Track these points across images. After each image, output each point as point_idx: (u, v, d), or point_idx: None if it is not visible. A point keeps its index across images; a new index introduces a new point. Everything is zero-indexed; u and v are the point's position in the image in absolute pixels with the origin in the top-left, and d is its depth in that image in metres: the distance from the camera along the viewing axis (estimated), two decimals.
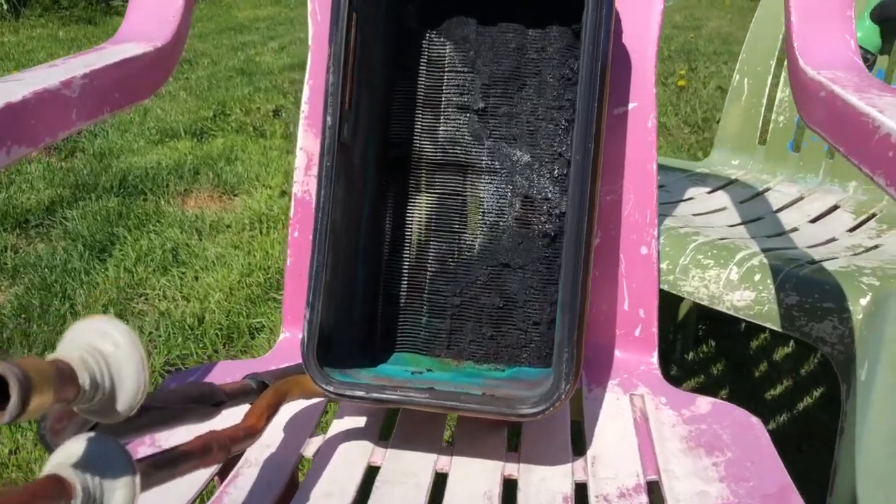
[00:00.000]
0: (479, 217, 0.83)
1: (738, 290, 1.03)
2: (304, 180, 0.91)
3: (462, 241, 0.83)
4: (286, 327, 0.95)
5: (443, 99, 0.83)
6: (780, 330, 1.01)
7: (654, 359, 0.90)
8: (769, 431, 0.76)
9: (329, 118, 0.66)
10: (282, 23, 5.85)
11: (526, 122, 0.82)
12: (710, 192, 1.46)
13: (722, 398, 0.84)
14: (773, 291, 1.01)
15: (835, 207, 1.39)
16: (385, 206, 0.84)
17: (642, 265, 0.88)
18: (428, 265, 0.83)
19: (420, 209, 0.84)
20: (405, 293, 0.83)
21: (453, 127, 0.83)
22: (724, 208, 1.39)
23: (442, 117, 0.83)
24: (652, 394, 0.85)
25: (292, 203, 0.92)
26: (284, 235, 2.29)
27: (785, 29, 0.83)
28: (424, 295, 0.83)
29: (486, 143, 0.83)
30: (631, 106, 0.86)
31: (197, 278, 2.07)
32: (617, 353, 0.90)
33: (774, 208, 1.39)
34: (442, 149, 0.83)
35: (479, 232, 0.83)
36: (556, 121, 0.82)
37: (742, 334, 1.87)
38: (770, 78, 1.53)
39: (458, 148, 0.83)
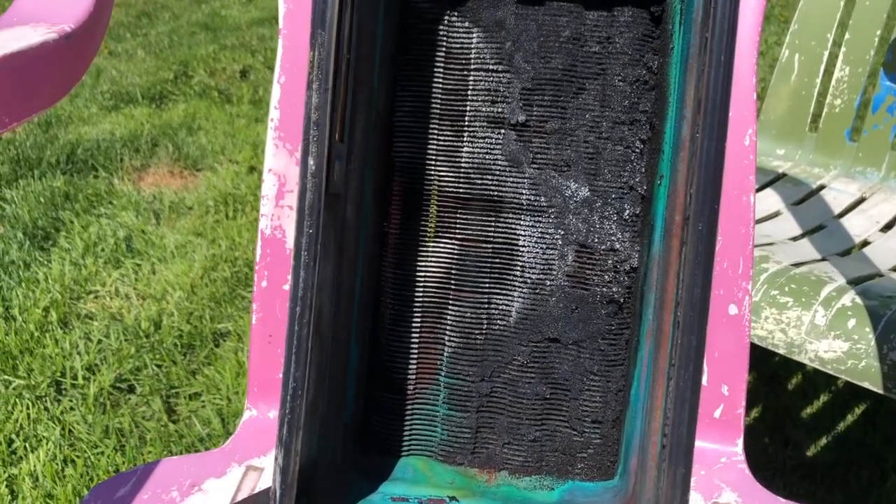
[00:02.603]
0: (518, 273, 0.60)
1: (827, 338, 0.82)
2: (274, 213, 0.67)
3: (493, 306, 0.60)
4: (251, 402, 0.72)
5: (468, 109, 0.60)
6: (881, 392, 0.80)
7: (740, 448, 0.69)
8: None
9: (312, 161, 0.42)
10: None
11: (584, 142, 0.59)
12: (756, 190, 1.24)
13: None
14: (872, 343, 0.79)
15: None
16: (387, 257, 0.60)
17: (730, 329, 0.66)
18: (446, 339, 0.61)
19: (435, 261, 0.61)
20: (414, 377, 0.61)
21: (482, 148, 0.60)
22: (777, 213, 1.17)
23: (466, 134, 0.60)
24: (742, 501, 0.64)
25: (258, 242, 0.68)
26: (253, 219, 2.05)
27: None
28: (441, 379, 0.60)
29: (527, 171, 0.59)
30: None
31: (154, 272, 1.83)
32: None
33: (835, 212, 1.18)
34: (466, 178, 0.60)
35: (516, 294, 0.60)
36: (626, 141, 0.58)
37: None
38: (826, 54, 1.30)
39: (489, 177, 0.60)
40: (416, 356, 0.61)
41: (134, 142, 2.43)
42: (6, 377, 1.47)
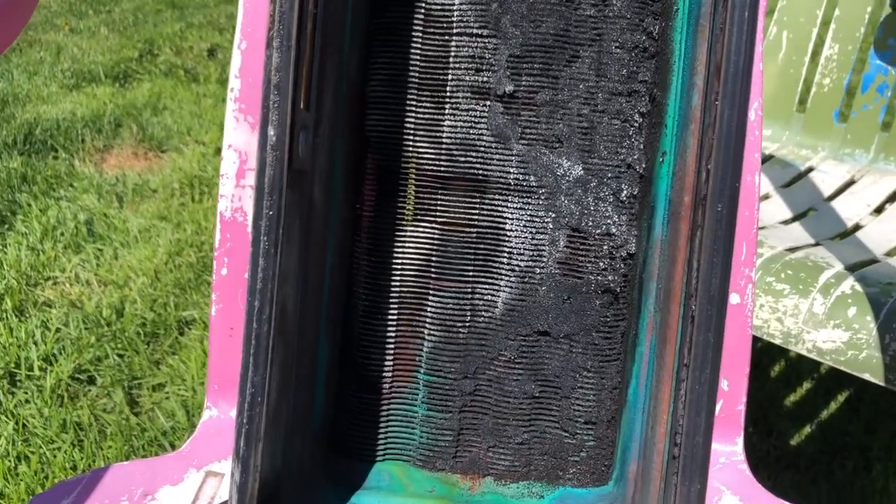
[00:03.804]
0: (505, 260, 0.55)
1: (826, 327, 0.77)
2: (235, 193, 0.61)
3: (477, 297, 0.55)
4: (211, 401, 0.66)
5: (449, 78, 0.54)
6: (882, 384, 0.76)
7: (740, 447, 0.64)
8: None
9: (272, 131, 0.37)
10: None
11: (577, 115, 0.53)
12: None
13: None
14: (874, 333, 0.75)
15: None
16: (360, 243, 0.55)
17: (731, 320, 0.61)
18: (425, 332, 0.55)
19: (414, 246, 0.55)
20: (390, 375, 0.55)
21: (466, 122, 0.54)
22: (767, 196, 1.13)
23: (448, 106, 0.54)
24: None
25: (217, 225, 0.62)
26: None
27: None
28: (419, 377, 0.55)
29: (515, 148, 0.54)
30: None
31: (116, 257, 1.75)
32: None
33: (825, 195, 1.14)
34: (448, 155, 0.54)
35: (503, 282, 0.54)
36: (624, 114, 0.53)
37: None
38: (815, 31, 1.25)
39: (473, 154, 0.54)
40: (392, 351, 0.55)
41: (96, 122, 2.34)
42: None
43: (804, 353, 0.79)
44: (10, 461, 1.22)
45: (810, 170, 1.21)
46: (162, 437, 1.29)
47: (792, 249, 0.88)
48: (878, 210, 1.11)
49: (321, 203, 0.47)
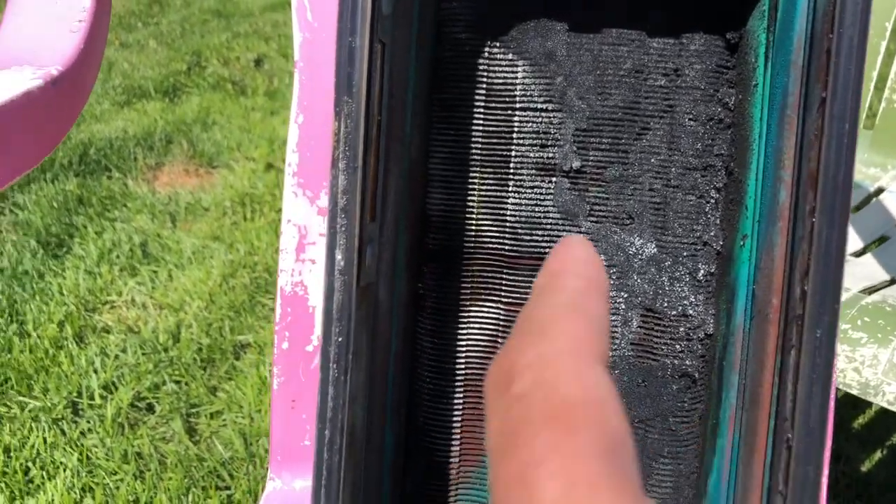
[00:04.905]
0: None
1: None
2: (295, 268, 0.60)
3: None
4: (274, 472, 0.65)
5: (513, 154, 0.52)
6: None
7: None
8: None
9: (340, 255, 0.35)
10: None
11: (649, 190, 0.51)
12: None
13: None
14: None
15: None
16: (423, 324, 0.53)
17: None
18: None
19: (478, 327, 0.53)
20: (457, 459, 0.53)
21: (531, 199, 0.52)
22: None
23: (512, 184, 0.52)
24: None
25: (278, 300, 0.61)
26: (271, 220, 1.98)
27: None
28: (487, 461, 0.53)
29: (583, 225, 0.52)
30: None
31: (171, 278, 1.77)
32: None
33: None
34: (513, 233, 0.52)
35: None
36: (699, 189, 0.50)
37: None
38: (884, 45, 1.20)
39: (539, 233, 0.52)
40: (458, 435, 0.53)
41: (147, 139, 2.36)
42: (21, 398, 1.42)
43: (885, 405, 0.75)
44: (75, 493, 1.24)
45: (880, 190, 1.16)
46: (221, 467, 1.29)
47: (867, 290, 0.85)
48: None
49: (386, 300, 0.46)
